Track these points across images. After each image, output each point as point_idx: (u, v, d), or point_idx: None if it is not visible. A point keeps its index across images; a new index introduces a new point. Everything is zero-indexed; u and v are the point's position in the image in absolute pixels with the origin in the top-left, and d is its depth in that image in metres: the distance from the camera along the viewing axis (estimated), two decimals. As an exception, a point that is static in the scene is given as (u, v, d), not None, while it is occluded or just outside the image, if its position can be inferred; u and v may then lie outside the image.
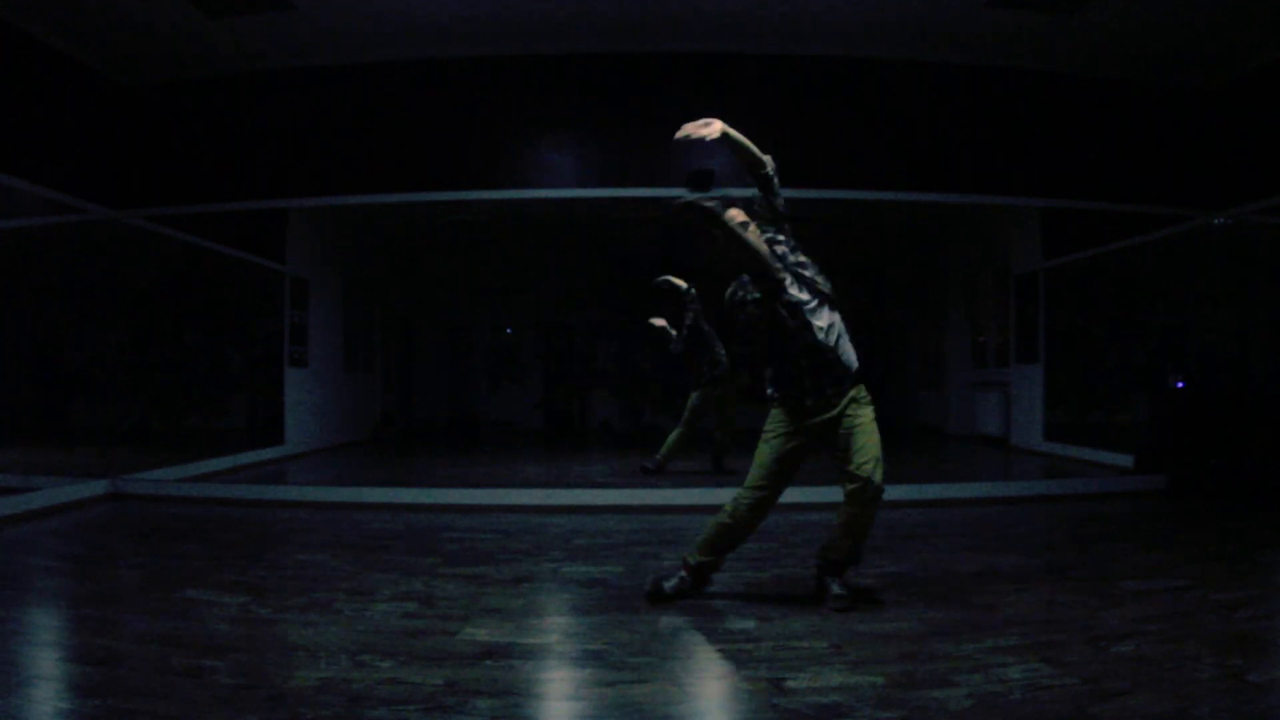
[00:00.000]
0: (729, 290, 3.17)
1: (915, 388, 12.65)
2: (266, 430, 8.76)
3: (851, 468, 3.04)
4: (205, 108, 6.40)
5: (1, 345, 7.57)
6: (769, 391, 3.21)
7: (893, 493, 5.77)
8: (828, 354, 3.05)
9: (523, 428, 13.28)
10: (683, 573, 3.27)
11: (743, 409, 7.04)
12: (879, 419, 3.15)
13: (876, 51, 6.19)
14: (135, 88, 6.36)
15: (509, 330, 13.66)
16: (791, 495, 5.72)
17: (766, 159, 3.15)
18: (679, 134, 3.05)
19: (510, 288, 13.40)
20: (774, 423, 3.19)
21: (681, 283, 6.90)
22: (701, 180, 6.00)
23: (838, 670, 2.45)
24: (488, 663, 2.54)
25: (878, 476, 3.02)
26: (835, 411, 3.08)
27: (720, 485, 6.18)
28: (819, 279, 3.09)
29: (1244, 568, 3.74)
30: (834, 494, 5.68)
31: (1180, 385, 6.74)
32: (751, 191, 3.24)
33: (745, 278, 3.11)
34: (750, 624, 2.94)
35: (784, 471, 3.18)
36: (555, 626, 2.99)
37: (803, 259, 3.12)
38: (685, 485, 6.24)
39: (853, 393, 3.10)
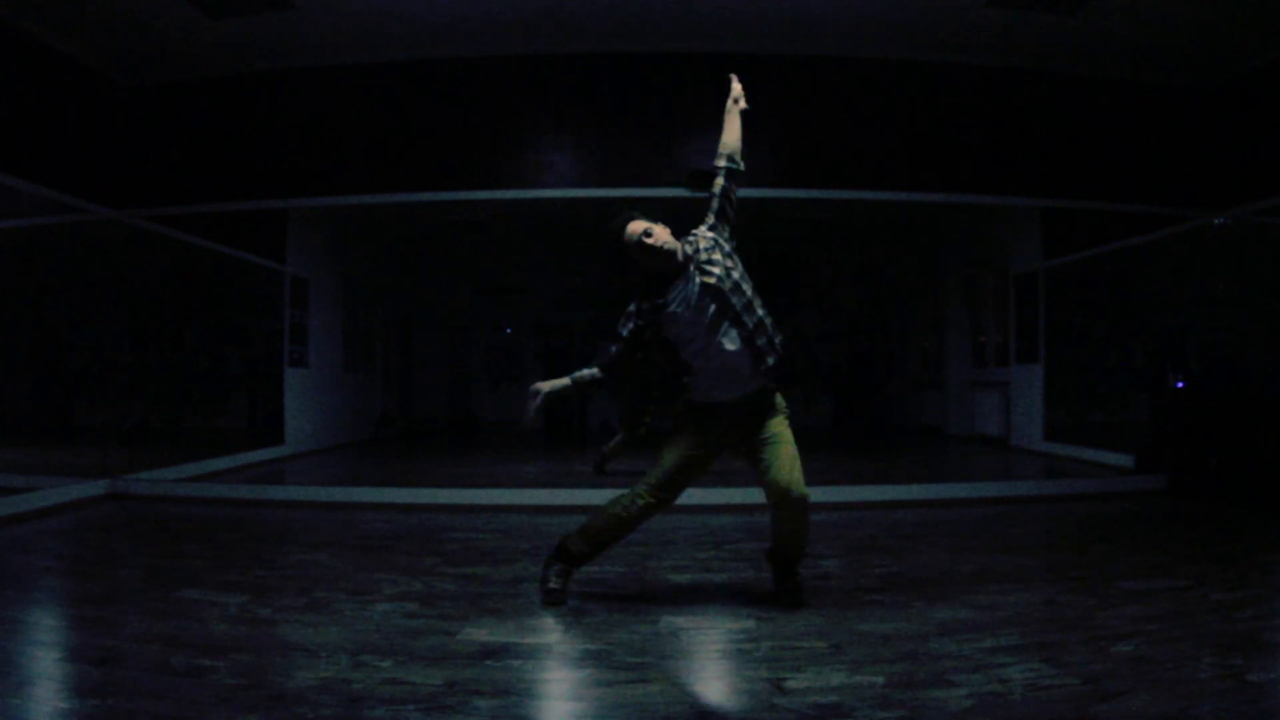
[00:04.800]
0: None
1: (915, 388, 12.64)
2: (266, 430, 8.76)
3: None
4: (205, 108, 6.40)
5: (1, 345, 7.57)
6: None
7: (893, 493, 5.83)
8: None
9: (523, 428, 13.28)
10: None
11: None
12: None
13: (876, 51, 6.19)
14: (135, 88, 6.36)
15: (509, 330, 13.66)
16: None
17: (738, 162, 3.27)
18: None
19: (510, 288, 13.40)
20: None
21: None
22: (701, 180, 5.99)
23: (838, 670, 2.45)
24: (488, 663, 2.54)
25: None
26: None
27: (726, 485, 6.18)
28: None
29: (1244, 568, 3.74)
30: (836, 494, 5.71)
31: (1180, 385, 6.73)
32: (738, 192, 3.29)
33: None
34: (750, 624, 2.94)
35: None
36: (555, 626, 2.99)
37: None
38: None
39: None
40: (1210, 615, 2.96)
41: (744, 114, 3.33)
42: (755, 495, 5.62)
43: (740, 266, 3.14)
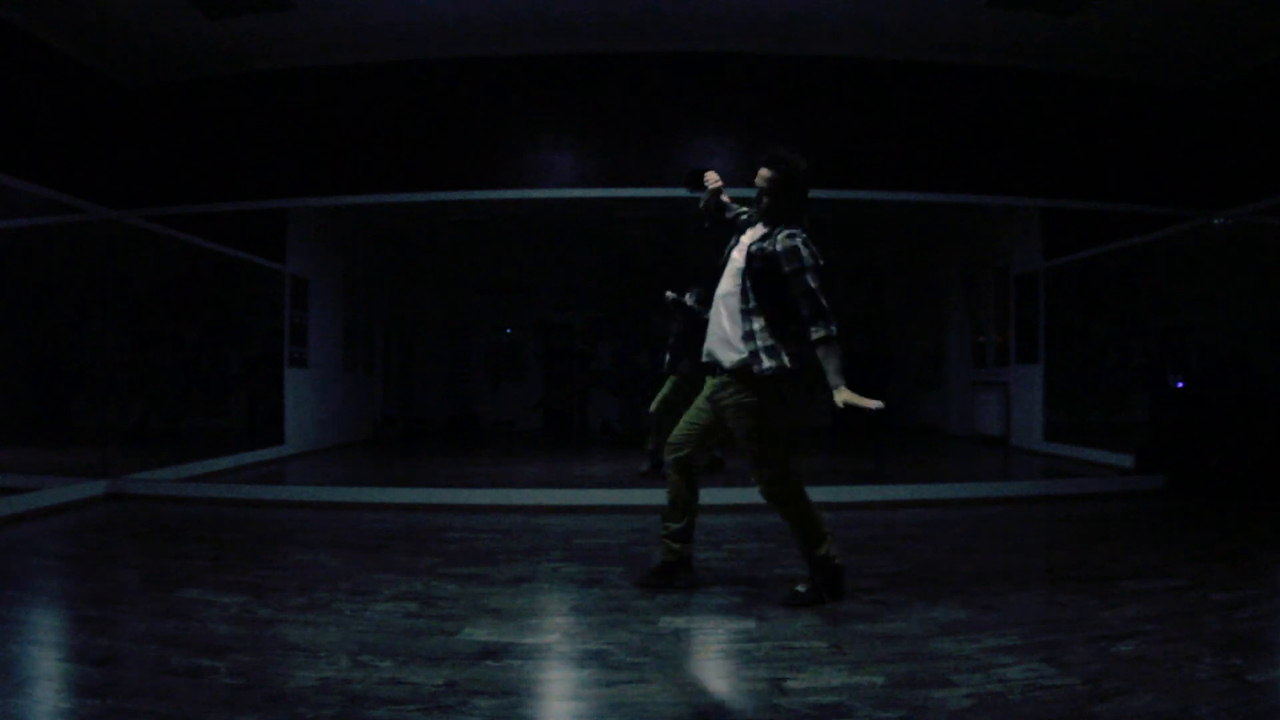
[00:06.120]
0: None
1: (915, 388, 12.64)
2: (266, 430, 8.76)
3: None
4: (205, 108, 6.40)
5: (1, 345, 7.57)
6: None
7: (893, 493, 5.83)
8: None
9: (523, 428, 13.28)
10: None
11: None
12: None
13: (876, 51, 6.19)
14: (135, 88, 6.36)
15: (509, 330, 13.66)
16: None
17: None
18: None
19: (510, 288, 13.40)
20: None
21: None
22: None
23: (838, 670, 2.45)
24: (488, 663, 2.54)
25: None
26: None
27: (726, 485, 6.17)
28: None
29: (1244, 568, 3.74)
30: (836, 494, 5.71)
31: (1180, 385, 6.74)
32: (738, 192, 3.35)
33: None
34: (750, 624, 2.94)
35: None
36: (555, 626, 2.99)
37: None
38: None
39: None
40: (1210, 615, 2.96)
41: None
42: (755, 496, 5.64)
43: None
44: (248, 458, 7.92)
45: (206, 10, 5.48)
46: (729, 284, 3.25)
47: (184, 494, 6.03)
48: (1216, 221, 6.48)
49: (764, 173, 3.22)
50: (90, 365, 7.44)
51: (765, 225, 3.25)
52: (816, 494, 5.60)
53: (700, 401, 3.39)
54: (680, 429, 3.42)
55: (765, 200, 3.22)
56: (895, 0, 5.57)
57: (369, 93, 6.32)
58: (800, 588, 3.19)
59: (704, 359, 3.32)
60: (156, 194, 6.35)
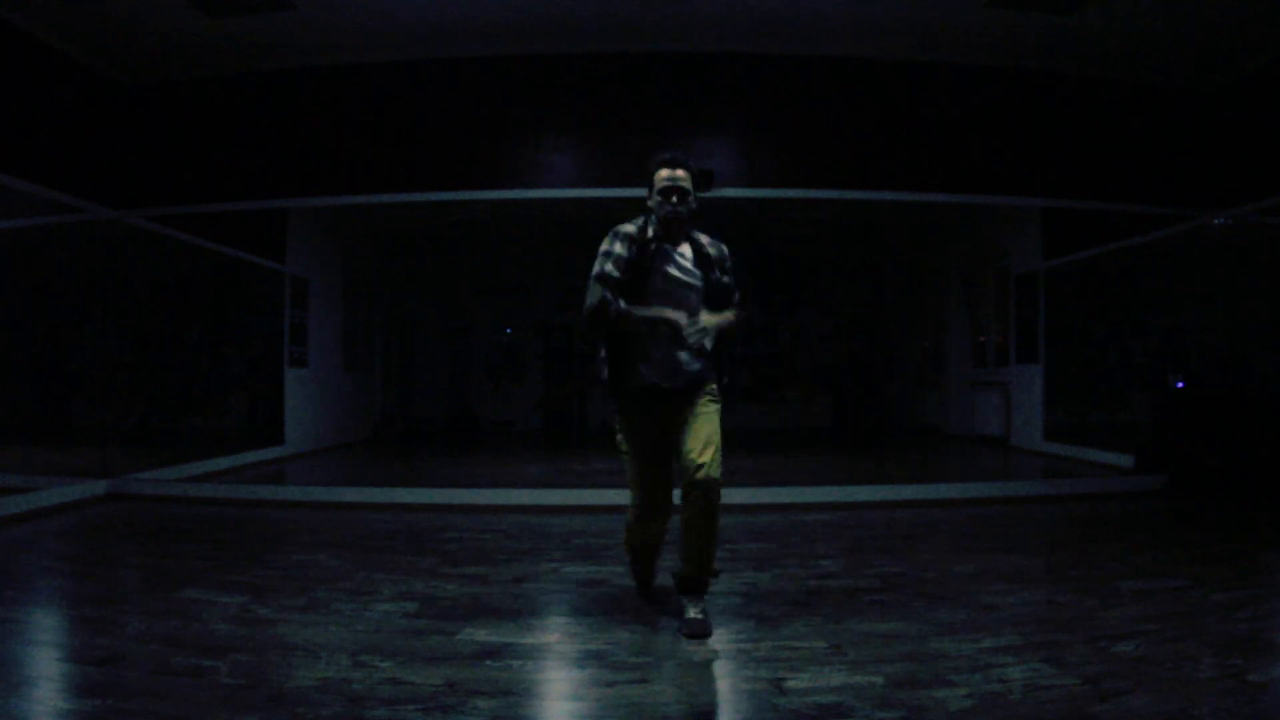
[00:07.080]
0: None
1: (915, 388, 12.65)
2: (266, 430, 8.76)
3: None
4: (205, 108, 6.40)
5: (1, 345, 7.57)
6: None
7: (893, 493, 5.83)
8: None
9: (523, 428, 13.28)
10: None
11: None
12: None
13: (876, 51, 6.20)
14: (135, 88, 6.36)
15: (509, 330, 13.66)
16: (790, 495, 5.74)
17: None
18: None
19: (510, 288, 13.41)
20: None
21: None
22: (702, 180, 5.99)
23: (838, 670, 2.45)
24: (488, 663, 2.54)
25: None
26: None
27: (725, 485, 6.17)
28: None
29: (1244, 568, 3.74)
30: (836, 494, 5.71)
31: (1180, 385, 6.73)
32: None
33: None
34: (750, 624, 2.94)
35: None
36: (555, 626, 2.99)
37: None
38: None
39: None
40: (1210, 615, 2.96)
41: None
42: (755, 496, 5.63)
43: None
44: (248, 458, 7.92)
45: (206, 10, 5.48)
46: (682, 310, 2.93)
47: (184, 494, 6.03)
48: (1216, 221, 6.49)
49: (681, 174, 2.99)
50: (90, 365, 7.44)
51: (681, 231, 3.04)
52: (816, 494, 5.64)
53: (652, 434, 3.01)
54: (658, 492, 3.06)
55: (692, 200, 3.00)
56: (895, 0, 5.57)
57: (369, 93, 6.33)
58: (694, 614, 2.84)
59: (664, 384, 2.97)
60: (157, 194, 6.36)
